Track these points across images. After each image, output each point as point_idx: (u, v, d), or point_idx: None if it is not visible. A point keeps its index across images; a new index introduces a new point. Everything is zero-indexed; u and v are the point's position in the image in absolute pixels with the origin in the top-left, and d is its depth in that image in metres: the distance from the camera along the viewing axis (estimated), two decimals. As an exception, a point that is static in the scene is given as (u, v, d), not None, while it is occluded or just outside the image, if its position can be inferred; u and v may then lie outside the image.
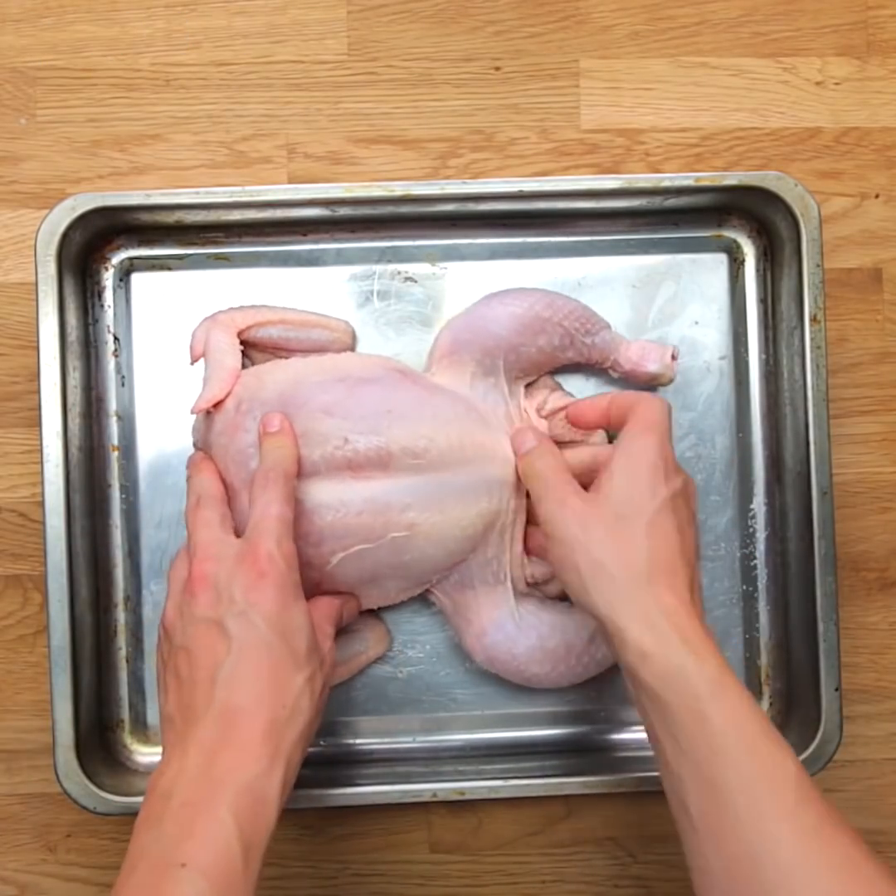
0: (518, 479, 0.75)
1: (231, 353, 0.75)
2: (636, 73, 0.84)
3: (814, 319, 0.77)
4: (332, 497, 0.71)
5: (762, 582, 0.83)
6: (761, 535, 0.83)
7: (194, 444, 0.78)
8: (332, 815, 0.82)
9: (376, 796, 0.77)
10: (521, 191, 0.78)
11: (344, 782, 0.78)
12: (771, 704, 0.82)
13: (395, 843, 0.83)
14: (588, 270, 0.82)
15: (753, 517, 0.83)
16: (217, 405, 0.74)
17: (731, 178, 0.78)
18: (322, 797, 0.77)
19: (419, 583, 0.76)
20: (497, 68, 0.84)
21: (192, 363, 0.77)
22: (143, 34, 0.83)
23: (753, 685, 0.83)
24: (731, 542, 0.83)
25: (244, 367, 0.77)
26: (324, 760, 0.81)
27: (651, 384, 0.81)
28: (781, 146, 0.84)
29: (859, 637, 0.84)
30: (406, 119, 0.84)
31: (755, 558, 0.83)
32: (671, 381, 0.81)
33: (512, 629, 0.75)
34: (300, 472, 0.71)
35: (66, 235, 0.76)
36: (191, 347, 0.77)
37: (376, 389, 0.73)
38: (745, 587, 0.83)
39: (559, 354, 0.77)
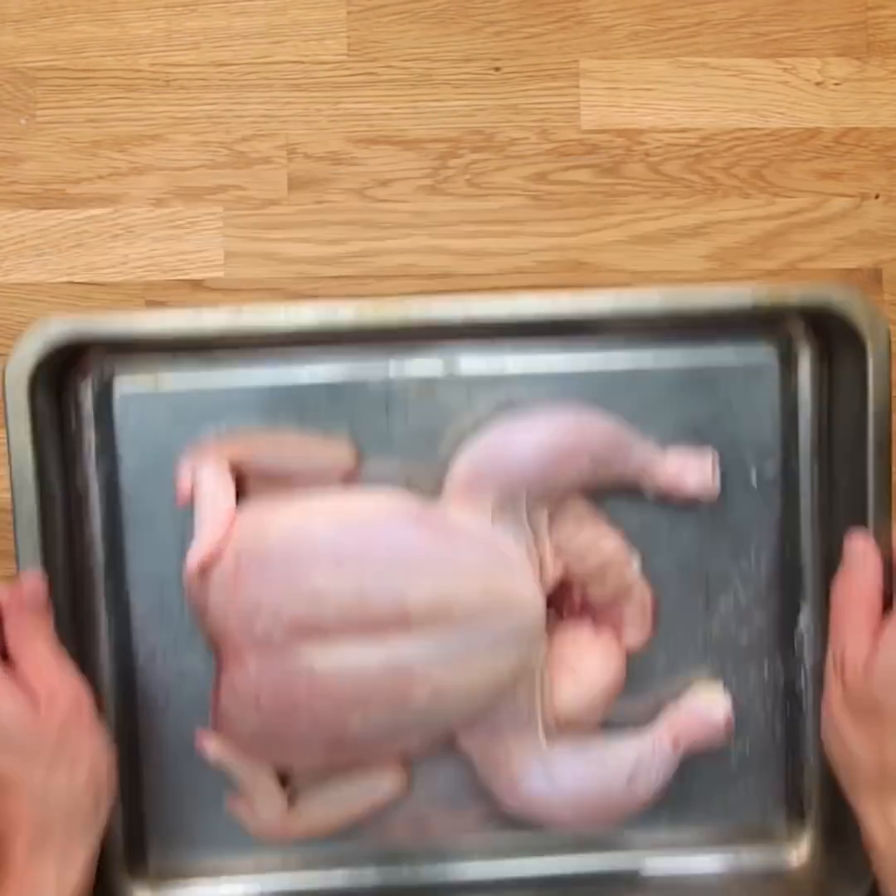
0: (545, 620, 0.69)
1: (223, 491, 0.68)
2: (636, 74, 0.84)
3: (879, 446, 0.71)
4: (349, 661, 0.65)
5: (807, 703, 0.77)
6: (807, 658, 0.77)
7: (187, 593, 0.69)
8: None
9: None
10: (537, 315, 0.72)
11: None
12: (815, 833, 0.78)
13: (394, 844, 0.82)
14: (622, 365, 0.76)
15: (800, 641, 0.78)
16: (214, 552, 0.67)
17: (793, 297, 0.72)
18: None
19: (445, 736, 0.70)
20: (497, 69, 0.84)
21: (180, 505, 0.69)
22: (143, 34, 0.83)
23: (794, 813, 0.79)
24: (775, 663, 0.78)
25: (238, 497, 0.69)
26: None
27: (693, 502, 0.75)
28: (781, 147, 0.84)
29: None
30: (406, 119, 0.84)
31: (800, 678, 0.78)
32: (715, 497, 0.74)
33: (546, 780, 0.70)
34: (314, 631, 0.65)
35: (35, 374, 0.71)
36: (178, 487, 0.70)
37: (390, 537, 0.66)
38: (788, 709, 0.78)
39: (587, 479, 0.70)
